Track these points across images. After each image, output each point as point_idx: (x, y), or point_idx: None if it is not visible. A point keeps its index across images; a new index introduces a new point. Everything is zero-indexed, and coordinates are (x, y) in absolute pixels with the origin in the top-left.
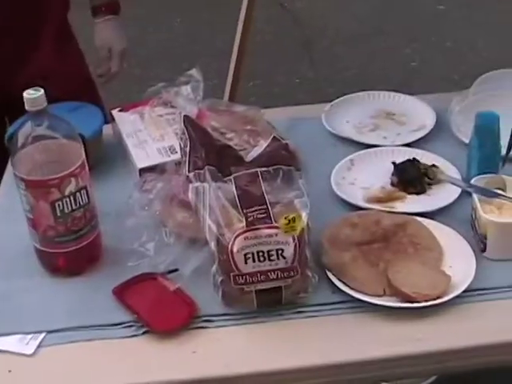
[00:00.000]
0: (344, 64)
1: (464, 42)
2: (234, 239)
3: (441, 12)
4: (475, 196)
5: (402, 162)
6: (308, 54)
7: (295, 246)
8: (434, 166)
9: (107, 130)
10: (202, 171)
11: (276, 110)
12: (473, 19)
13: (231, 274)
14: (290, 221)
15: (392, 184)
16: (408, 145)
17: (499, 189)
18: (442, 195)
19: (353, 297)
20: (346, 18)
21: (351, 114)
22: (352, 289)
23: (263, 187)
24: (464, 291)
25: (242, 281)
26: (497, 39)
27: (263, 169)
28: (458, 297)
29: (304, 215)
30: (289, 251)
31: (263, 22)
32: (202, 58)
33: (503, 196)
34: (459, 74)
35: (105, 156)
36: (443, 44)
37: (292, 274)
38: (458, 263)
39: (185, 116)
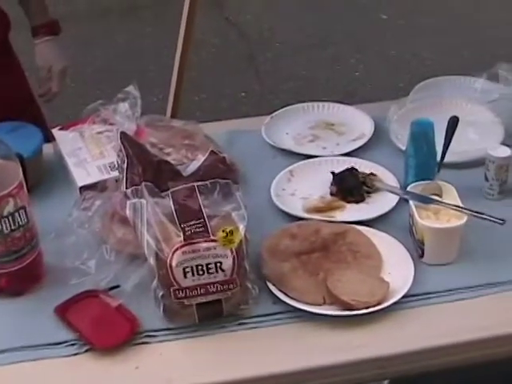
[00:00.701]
0: (289, 75)
1: (407, 50)
2: (173, 254)
3: (384, 21)
4: (412, 203)
5: (341, 172)
6: (253, 66)
7: (233, 258)
8: (372, 174)
9: (48, 148)
10: (139, 187)
11: (216, 123)
12: (415, 27)
13: (171, 289)
14: (227, 234)
15: (331, 193)
16: (347, 154)
17: (435, 194)
18: (380, 203)
19: (293, 307)
20: (291, 29)
21: (291, 126)
22: (292, 299)
23: (200, 201)
24: (403, 297)
25: (182, 295)
26: (439, 47)
27: (200, 183)
28: (396, 303)
29: (241, 228)
30: (227, 264)
31: (209, 35)
32: (149, 73)
33: (439, 202)
34: (403, 83)
35: (46, 175)
36: (387, 53)
37: (231, 286)
38: (397, 270)
39: (121, 133)
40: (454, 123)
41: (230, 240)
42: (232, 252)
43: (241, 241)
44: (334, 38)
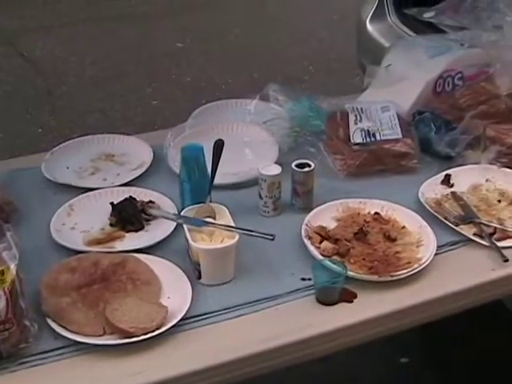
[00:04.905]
0: (86, 109)
1: (203, 76)
2: None
3: (180, 49)
4: (185, 227)
5: (120, 202)
6: (50, 102)
7: (7, 298)
8: (151, 202)
9: None
10: None
11: None
12: (211, 53)
13: None
14: None
15: (111, 224)
16: (128, 184)
17: (209, 217)
18: (159, 230)
19: (74, 340)
20: (86, 62)
21: (71, 160)
22: (73, 332)
23: None
24: (181, 319)
25: None
26: (231, 70)
27: None
28: (176, 326)
29: (12, 267)
30: (1, 304)
31: (4, 73)
32: None
33: (210, 223)
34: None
35: None
36: (183, 80)
37: (8, 326)
38: (176, 293)
39: None
40: (218, 146)
41: (1, 280)
42: (5, 292)
43: (13, 280)
44: (129, 69)
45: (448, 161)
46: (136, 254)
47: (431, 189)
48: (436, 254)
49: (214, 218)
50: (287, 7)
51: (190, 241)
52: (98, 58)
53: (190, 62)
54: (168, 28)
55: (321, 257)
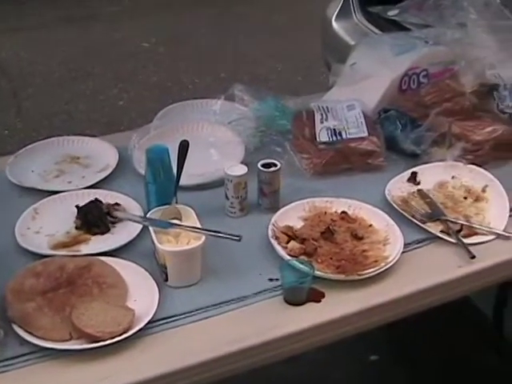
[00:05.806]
0: (52, 110)
1: (169, 76)
2: None
3: (145, 49)
4: (151, 229)
5: (85, 205)
6: (16, 103)
7: None
8: (116, 204)
9: None
10: None
11: None
12: (177, 54)
13: None
14: None
15: (77, 227)
16: (93, 186)
17: (176, 218)
18: (125, 232)
19: (40, 346)
20: (52, 63)
21: (36, 163)
22: (39, 338)
23: None
24: (148, 323)
25: None
26: (198, 71)
27: None
28: (143, 329)
29: None
30: None
31: None
32: None
33: (176, 225)
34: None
35: None
36: (149, 80)
37: None
38: (143, 296)
39: None
40: (184, 147)
41: None
42: None
43: None
44: (95, 69)
45: (414, 158)
46: (102, 257)
47: (398, 187)
48: (403, 252)
49: (180, 220)
50: (254, 6)
51: (156, 243)
52: (64, 59)
53: (157, 63)
54: (134, 28)
55: (288, 257)
